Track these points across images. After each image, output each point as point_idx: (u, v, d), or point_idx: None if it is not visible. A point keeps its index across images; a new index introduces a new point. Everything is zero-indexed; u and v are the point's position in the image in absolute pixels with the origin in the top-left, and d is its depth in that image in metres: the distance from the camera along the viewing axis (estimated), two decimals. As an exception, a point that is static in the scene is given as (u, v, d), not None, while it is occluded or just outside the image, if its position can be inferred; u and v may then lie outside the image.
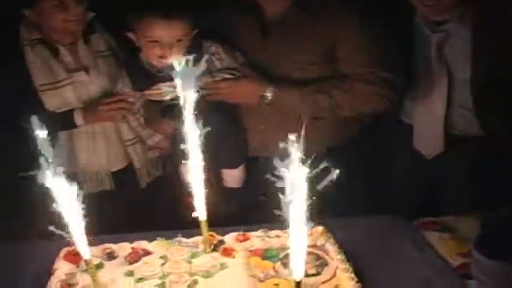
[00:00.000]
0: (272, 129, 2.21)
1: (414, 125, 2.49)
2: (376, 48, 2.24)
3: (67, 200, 1.43)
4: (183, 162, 1.72)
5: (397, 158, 2.61)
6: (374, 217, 2.06)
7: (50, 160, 1.38)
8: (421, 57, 2.39)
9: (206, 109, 1.60)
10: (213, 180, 1.88)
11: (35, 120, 1.36)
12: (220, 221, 1.85)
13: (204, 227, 1.78)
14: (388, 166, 2.65)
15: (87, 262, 1.59)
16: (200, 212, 1.75)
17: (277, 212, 1.38)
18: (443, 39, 2.31)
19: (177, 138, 2.26)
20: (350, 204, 2.29)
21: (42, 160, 1.37)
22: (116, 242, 1.87)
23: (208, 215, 1.78)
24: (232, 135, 2.33)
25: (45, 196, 1.46)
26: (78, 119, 2.33)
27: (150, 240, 1.88)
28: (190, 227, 1.82)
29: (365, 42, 2.23)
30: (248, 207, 2.42)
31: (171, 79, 2.17)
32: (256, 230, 1.90)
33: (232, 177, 2.42)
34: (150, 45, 2.20)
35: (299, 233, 1.29)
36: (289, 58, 2.26)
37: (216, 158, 2.14)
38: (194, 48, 2.16)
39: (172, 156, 2.46)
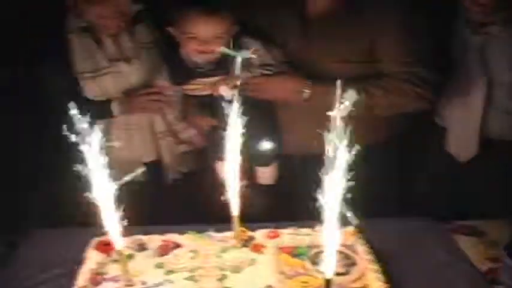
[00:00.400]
0: (308, 127, 2.20)
1: (449, 127, 2.47)
2: (416, 48, 2.23)
3: (102, 189, 1.45)
4: (219, 158, 1.74)
5: (430, 161, 2.59)
6: (405, 219, 2.04)
7: (89, 148, 1.40)
8: (460, 59, 2.36)
9: (242, 106, 1.62)
10: (247, 176, 1.89)
11: (75, 107, 1.38)
12: (251, 217, 1.86)
13: (236, 222, 1.79)
14: (420, 168, 2.63)
15: (119, 252, 1.61)
16: (233, 207, 1.76)
17: (310, 211, 1.39)
18: (484, 42, 2.29)
19: (212, 134, 2.31)
20: (382, 205, 2.28)
21: (81, 148, 1.40)
22: (146, 233, 1.89)
23: (240, 211, 1.79)
24: (266, 133, 2.33)
25: (80, 184, 1.49)
26: (116, 108, 2.35)
27: (181, 233, 1.89)
28: (222, 222, 1.83)
29: (405, 42, 2.22)
30: (280, 204, 2.42)
31: (210, 75, 2.24)
32: (287, 227, 1.90)
33: (265, 174, 2.43)
34: (189, 41, 2.21)
35: (332, 232, 1.29)
36: (329, 56, 2.25)
37: (249, 155, 2.15)
38: (234, 44, 2.17)
39: (206, 152, 2.47)
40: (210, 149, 2.39)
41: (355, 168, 1.30)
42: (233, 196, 1.74)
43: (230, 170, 1.70)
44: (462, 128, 2.42)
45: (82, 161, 1.43)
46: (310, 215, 1.43)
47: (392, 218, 2.06)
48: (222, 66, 2.20)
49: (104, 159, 1.45)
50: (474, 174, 2.42)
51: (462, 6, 2.32)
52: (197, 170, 2.62)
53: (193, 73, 2.26)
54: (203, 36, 2.18)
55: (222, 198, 1.75)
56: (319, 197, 1.33)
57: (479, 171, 2.41)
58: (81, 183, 1.49)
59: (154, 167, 2.49)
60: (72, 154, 1.42)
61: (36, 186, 2.61)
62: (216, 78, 2.22)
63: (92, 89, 2.34)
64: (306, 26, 2.30)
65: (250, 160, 2.32)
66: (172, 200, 2.54)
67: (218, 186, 1.78)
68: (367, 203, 1.84)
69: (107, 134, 2.34)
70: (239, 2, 2.27)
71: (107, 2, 2.23)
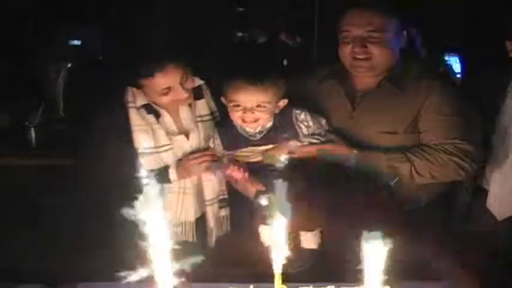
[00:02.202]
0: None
1: (490, 186, 2.51)
2: (460, 121, 2.32)
3: (160, 244, 1.54)
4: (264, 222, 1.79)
5: (470, 219, 2.62)
6: (441, 282, 2.06)
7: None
8: (502, 125, 2.45)
9: (289, 174, 1.69)
10: (291, 240, 1.94)
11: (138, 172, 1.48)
12: (292, 277, 1.91)
13: (278, 280, 1.85)
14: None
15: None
16: (276, 265, 1.82)
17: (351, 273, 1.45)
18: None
19: (259, 198, 2.39)
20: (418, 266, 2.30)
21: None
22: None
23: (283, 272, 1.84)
24: (311, 198, 2.41)
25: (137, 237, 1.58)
26: (173, 175, 2.41)
27: (225, 288, 1.95)
28: (263, 281, 1.89)
29: (449, 116, 2.32)
30: (322, 267, 2.46)
31: (261, 143, 2.35)
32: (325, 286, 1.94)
33: (309, 238, 2.48)
34: (233, 109, 2.32)
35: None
36: (375, 127, 2.36)
37: (294, 221, 2.23)
38: (284, 115, 2.32)
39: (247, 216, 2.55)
40: (255, 213, 2.46)
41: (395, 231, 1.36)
42: (277, 256, 1.80)
43: (275, 234, 1.76)
44: (502, 189, 2.47)
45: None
46: (351, 277, 1.49)
47: (431, 282, 2.08)
48: (271, 136, 2.32)
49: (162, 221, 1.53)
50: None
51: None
52: (239, 233, 2.69)
53: (245, 141, 2.37)
54: (245, 105, 2.28)
55: (265, 257, 1.81)
56: (361, 259, 1.39)
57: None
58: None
59: (199, 226, 2.56)
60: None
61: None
62: (265, 147, 2.34)
63: (151, 163, 2.37)
64: (354, 99, 2.43)
65: (295, 225, 2.39)
66: (215, 258, 2.61)
67: (260, 247, 1.83)
68: (408, 265, 1.89)
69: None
70: (286, 72, 2.39)
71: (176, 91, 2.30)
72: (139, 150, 2.35)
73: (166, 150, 2.41)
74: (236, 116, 2.32)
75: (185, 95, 2.33)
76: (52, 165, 3.44)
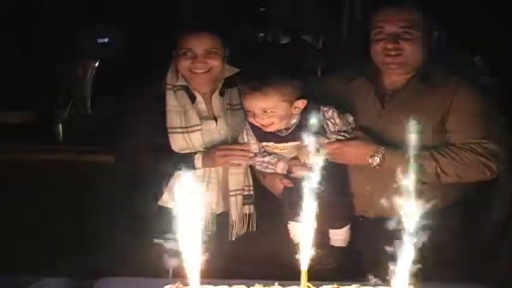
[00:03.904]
0: (378, 191, 2.30)
1: None
2: (486, 121, 2.32)
3: (189, 237, 1.56)
4: (293, 219, 1.79)
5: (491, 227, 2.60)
6: (463, 285, 2.05)
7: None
8: None
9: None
10: (320, 239, 1.94)
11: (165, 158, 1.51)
12: (319, 276, 1.92)
13: (303, 278, 1.85)
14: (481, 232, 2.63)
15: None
16: (303, 263, 1.83)
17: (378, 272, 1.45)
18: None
19: (287, 195, 2.41)
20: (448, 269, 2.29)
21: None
22: (215, 284, 1.96)
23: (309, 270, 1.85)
24: (339, 197, 2.42)
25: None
26: (198, 162, 2.48)
27: (248, 285, 1.96)
28: (287, 279, 1.90)
29: (477, 115, 2.32)
30: (349, 264, 2.46)
31: (289, 140, 2.37)
32: (351, 284, 1.95)
33: (338, 236, 2.48)
34: (247, 113, 2.40)
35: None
36: (402, 125, 2.35)
37: (322, 219, 2.24)
38: (312, 111, 2.28)
39: (272, 212, 2.56)
40: (285, 208, 2.47)
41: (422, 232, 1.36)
42: (304, 254, 1.80)
43: (303, 231, 1.76)
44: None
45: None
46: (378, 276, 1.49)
47: (451, 284, 2.07)
48: (298, 132, 2.32)
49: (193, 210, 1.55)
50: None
51: None
52: (262, 230, 2.70)
53: (275, 136, 2.40)
54: (252, 110, 2.35)
55: (293, 255, 1.81)
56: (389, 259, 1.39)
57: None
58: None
59: (223, 220, 2.60)
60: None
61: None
62: (294, 143, 2.36)
63: (180, 144, 2.50)
64: (383, 97, 2.44)
65: (324, 222, 2.39)
66: (239, 254, 2.62)
67: (288, 245, 1.84)
68: (434, 267, 1.88)
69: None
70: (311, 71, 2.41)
71: (197, 58, 2.44)
72: (170, 130, 2.50)
73: (195, 131, 2.50)
74: (251, 120, 2.38)
75: (204, 68, 2.46)
76: (79, 160, 3.49)
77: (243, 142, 2.48)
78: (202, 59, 2.46)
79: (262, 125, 2.36)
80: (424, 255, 1.43)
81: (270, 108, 2.31)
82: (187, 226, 1.57)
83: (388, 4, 2.37)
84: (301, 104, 2.34)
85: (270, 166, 2.43)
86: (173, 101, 2.53)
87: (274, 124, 2.35)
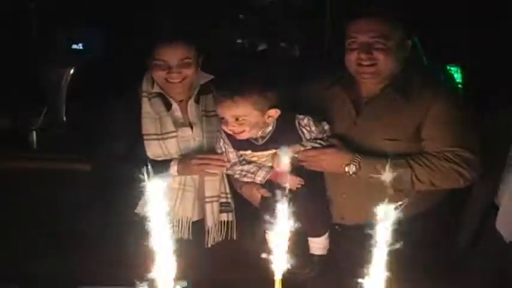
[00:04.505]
0: (355, 199, 2.33)
1: (500, 206, 2.51)
2: (461, 130, 2.33)
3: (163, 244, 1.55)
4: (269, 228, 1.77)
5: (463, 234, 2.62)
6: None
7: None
8: None
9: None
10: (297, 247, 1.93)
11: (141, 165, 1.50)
12: (296, 286, 1.91)
13: (278, 285, 1.85)
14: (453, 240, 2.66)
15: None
16: (277, 272, 1.82)
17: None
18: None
19: (263, 204, 2.41)
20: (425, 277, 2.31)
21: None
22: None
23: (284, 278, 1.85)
24: (316, 205, 2.43)
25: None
26: (174, 169, 2.48)
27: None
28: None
29: (452, 124, 2.33)
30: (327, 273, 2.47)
31: (265, 148, 2.37)
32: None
33: (318, 245, 2.48)
34: (220, 120, 2.38)
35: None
36: (377, 134, 2.38)
37: (301, 227, 2.24)
38: (287, 120, 2.34)
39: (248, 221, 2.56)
40: (261, 218, 2.47)
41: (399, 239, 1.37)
42: (278, 263, 1.80)
43: (279, 241, 1.76)
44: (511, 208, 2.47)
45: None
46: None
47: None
48: (273, 141, 2.33)
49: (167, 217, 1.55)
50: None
51: None
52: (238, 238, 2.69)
53: (251, 145, 2.39)
54: (224, 117, 2.34)
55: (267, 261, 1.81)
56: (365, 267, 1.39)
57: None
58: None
59: (200, 227, 2.59)
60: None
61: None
62: (270, 152, 2.36)
63: (155, 150, 2.51)
64: (358, 105, 2.45)
65: (303, 231, 2.40)
66: (214, 261, 2.61)
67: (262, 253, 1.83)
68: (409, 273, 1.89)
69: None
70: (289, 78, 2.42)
71: (172, 69, 2.44)
72: (146, 137, 2.51)
73: (170, 138, 2.51)
74: (224, 127, 2.37)
75: (178, 78, 2.47)
76: (55, 168, 3.46)
77: (220, 151, 2.48)
78: (176, 69, 2.46)
79: (234, 133, 2.35)
80: (398, 261, 1.43)
81: (241, 115, 2.30)
82: (161, 233, 1.56)
83: (361, 14, 2.38)
84: (274, 113, 2.34)
85: (249, 175, 2.42)
86: (148, 108, 2.54)
87: (245, 132, 2.33)
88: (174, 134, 2.52)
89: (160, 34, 2.65)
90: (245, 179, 2.45)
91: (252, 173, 2.41)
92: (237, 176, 2.47)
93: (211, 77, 2.61)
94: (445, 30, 4.08)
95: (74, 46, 4.43)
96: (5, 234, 3.19)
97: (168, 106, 2.55)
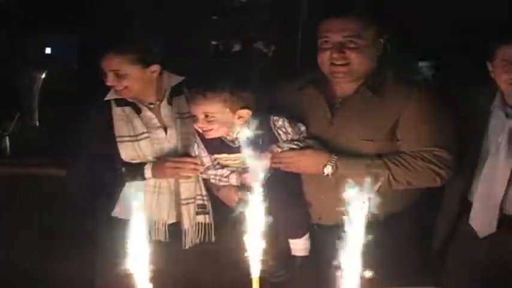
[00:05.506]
0: (332, 199, 2.31)
1: (473, 202, 2.53)
2: (437, 129, 2.35)
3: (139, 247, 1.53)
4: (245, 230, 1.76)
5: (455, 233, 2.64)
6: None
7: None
8: (490, 141, 2.46)
9: (270, 182, 1.69)
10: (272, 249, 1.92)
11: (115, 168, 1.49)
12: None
13: (255, 285, 1.83)
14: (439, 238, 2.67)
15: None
16: (254, 271, 1.81)
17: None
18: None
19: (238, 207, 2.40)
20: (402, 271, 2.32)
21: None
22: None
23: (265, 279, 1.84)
24: (295, 206, 2.43)
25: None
26: (148, 172, 2.49)
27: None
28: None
29: (428, 124, 2.35)
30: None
31: (241, 151, 2.36)
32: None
33: (299, 246, 2.46)
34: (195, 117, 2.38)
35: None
36: (353, 134, 2.38)
37: (279, 229, 2.24)
38: (262, 121, 2.27)
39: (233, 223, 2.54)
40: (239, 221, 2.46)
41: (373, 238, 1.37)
42: (255, 265, 1.79)
43: (254, 242, 1.75)
44: (485, 205, 2.48)
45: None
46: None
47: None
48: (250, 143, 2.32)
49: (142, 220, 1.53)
50: (490, 249, 2.46)
51: (497, 90, 2.45)
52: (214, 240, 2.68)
53: (226, 147, 2.39)
54: (195, 114, 2.35)
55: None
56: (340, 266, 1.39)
57: (495, 247, 2.46)
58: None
59: (176, 229, 2.59)
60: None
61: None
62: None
63: (128, 153, 2.51)
64: (333, 106, 2.45)
65: (283, 233, 2.40)
66: (192, 262, 2.60)
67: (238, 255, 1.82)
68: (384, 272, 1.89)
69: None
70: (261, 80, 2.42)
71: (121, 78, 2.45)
72: (119, 139, 2.51)
73: (143, 139, 2.52)
74: (195, 126, 2.38)
75: (118, 84, 2.45)
76: (28, 174, 3.41)
77: (194, 155, 2.48)
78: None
79: (203, 131, 2.35)
80: (374, 261, 1.44)
81: (211, 113, 2.30)
82: (137, 236, 1.55)
83: (333, 14, 2.39)
84: (245, 113, 2.33)
85: (223, 179, 2.42)
86: (120, 111, 2.54)
87: (213, 130, 2.33)
88: (146, 134, 2.52)
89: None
90: (221, 184, 2.45)
91: (226, 177, 2.42)
92: (212, 180, 2.48)
93: (182, 78, 2.60)
94: (417, 28, 4.11)
95: (47, 50, 4.40)
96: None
97: (139, 110, 2.55)
